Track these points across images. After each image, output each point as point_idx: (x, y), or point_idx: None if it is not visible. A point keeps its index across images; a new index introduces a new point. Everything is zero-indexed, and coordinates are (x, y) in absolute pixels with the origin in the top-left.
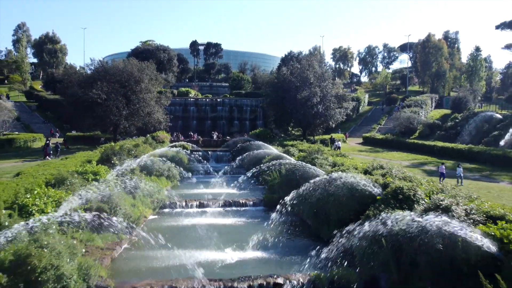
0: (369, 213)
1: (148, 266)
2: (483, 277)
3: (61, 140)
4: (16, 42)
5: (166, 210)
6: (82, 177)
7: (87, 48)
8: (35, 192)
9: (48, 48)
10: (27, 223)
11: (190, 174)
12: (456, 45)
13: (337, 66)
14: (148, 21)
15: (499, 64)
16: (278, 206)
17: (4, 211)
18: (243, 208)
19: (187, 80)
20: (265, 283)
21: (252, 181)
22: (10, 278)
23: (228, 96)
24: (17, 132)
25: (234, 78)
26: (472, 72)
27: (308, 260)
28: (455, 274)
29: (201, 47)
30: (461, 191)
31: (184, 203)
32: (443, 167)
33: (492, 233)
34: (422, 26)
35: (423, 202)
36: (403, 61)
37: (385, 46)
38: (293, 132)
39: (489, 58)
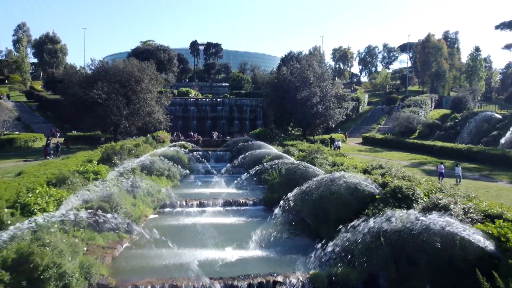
0: (368, 212)
1: (149, 264)
2: (481, 275)
3: (61, 140)
4: (16, 42)
5: (167, 209)
6: (83, 176)
7: (87, 48)
8: (37, 191)
9: (48, 48)
10: (30, 222)
11: (190, 174)
12: (455, 45)
13: (337, 66)
14: (148, 21)
15: (498, 64)
16: (281, 202)
17: (6, 210)
18: (243, 208)
19: (187, 80)
20: (265, 282)
21: (252, 181)
22: (12, 276)
23: (228, 96)
24: (17, 132)
25: (234, 78)
26: (471, 72)
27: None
28: (453, 272)
29: (201, 47)
30: (459, 190)
31: (184, 203)
32: (442, 166)
33: (490, 232)
34: (422, 26)
35: (422, 201)
36: (403, 61)
37: (385, 46)
38: (293, 132)
39: (489, 58)
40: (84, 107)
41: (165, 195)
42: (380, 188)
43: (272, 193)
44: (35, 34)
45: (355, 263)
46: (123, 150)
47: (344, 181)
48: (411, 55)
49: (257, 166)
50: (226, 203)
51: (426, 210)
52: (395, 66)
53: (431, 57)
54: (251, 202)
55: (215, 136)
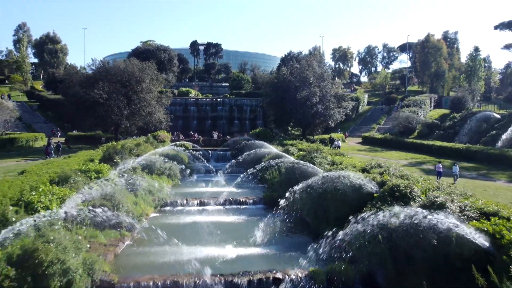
0: (366, 210)
1: (150, 261)
2: (476, 271)
3: (62, 139)
4: (16, 42)
5: (167, 208)
6: (85, 175)
7: (87, 48)
8: (40, 189)
9: (48, 48)
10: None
11: (191, 173)
12: (455, 45)
13: (337, 66)
14: (148, 21)
15: (498, 64)
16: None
17: (10, 208)
18: (243, 206)
19: (188, 80)
20: (264, 278)
21: (252, 180)
22: (18, 272)
23: (228, 96)
24: (19, 132)
25: (234, 78)
26: (471, 72)
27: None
28: (449, 269)
29: (201, 47)
30: (456, 188)
31: (185, 201)
32: (440, 165)
33: (485, 229)
34: (421, 26)
35: (419, 199)
36: (403, 61)
37: (384, 46)
38: (292, 131)
39: (488, 58)
40: (85, 107)
41: (166, 194)
42: (379, 186)
43: (272, 192)
44: (36, 34)
45: (354, 260)
46: (124, 150)
47: (343, 180)
48: (410, 55)
49: (257, 166)
50: (226, 202)
51: (424, 207)
52: (395, 66)
53: (430, 57)
54: (251, 201)
55: (215, 136)
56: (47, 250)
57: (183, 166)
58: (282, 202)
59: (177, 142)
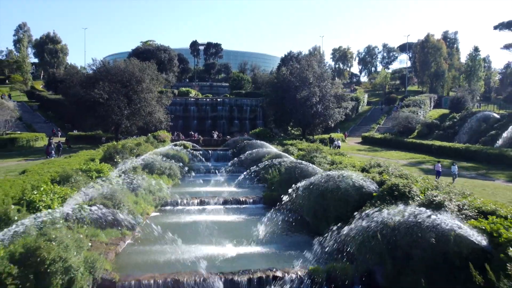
0: (365, 209)
1: (151, 260)
2: (473, 269)
3: (63, 139)
4: (17, 42)
5: (168, 207)
6: (86, 174)
7: (87, 48)
8: (42, 188)
9: (49, 48)
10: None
11: (191, 173)
12: (455, 45)
13: (337, 66)
14: (148, 21)
15: (498, 64)
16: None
17: (13, 207)
18: (243, 206)
19: (188, 80)
20: (264, 276)
21: (252, 180)
22: (20, 270)
23: (228, 96)
24: (19, 132)
25: (234, 78)
26: (470, 72)
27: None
28: (448, 267)
29: (201, 47)
30: (455, 188)
31: (185, 201)
32: (439, 165)
33: (483, 227)
34: (421, 26)
35: (418, 198)
36: (403, 61)
37: (384, 46)
38: (292, 131)
39: (488, 58)
40: (85, 107)
41: (166, 193)
42: (378, 186)
43: (272, 191)
44: (36, 34)
45: (354, 259)
46: (125, 149)
47: (343, 179)
48: (410, 55)
49: (257, 165)
50: (227, 201)
51: (422, 206)
52: (395, 66)
53: (430, 57)
54: (251, 200)
55: (215, 136)
56: (49, 249)
57: (183, 166)
58: (284, 198)
59: (177, 142)
